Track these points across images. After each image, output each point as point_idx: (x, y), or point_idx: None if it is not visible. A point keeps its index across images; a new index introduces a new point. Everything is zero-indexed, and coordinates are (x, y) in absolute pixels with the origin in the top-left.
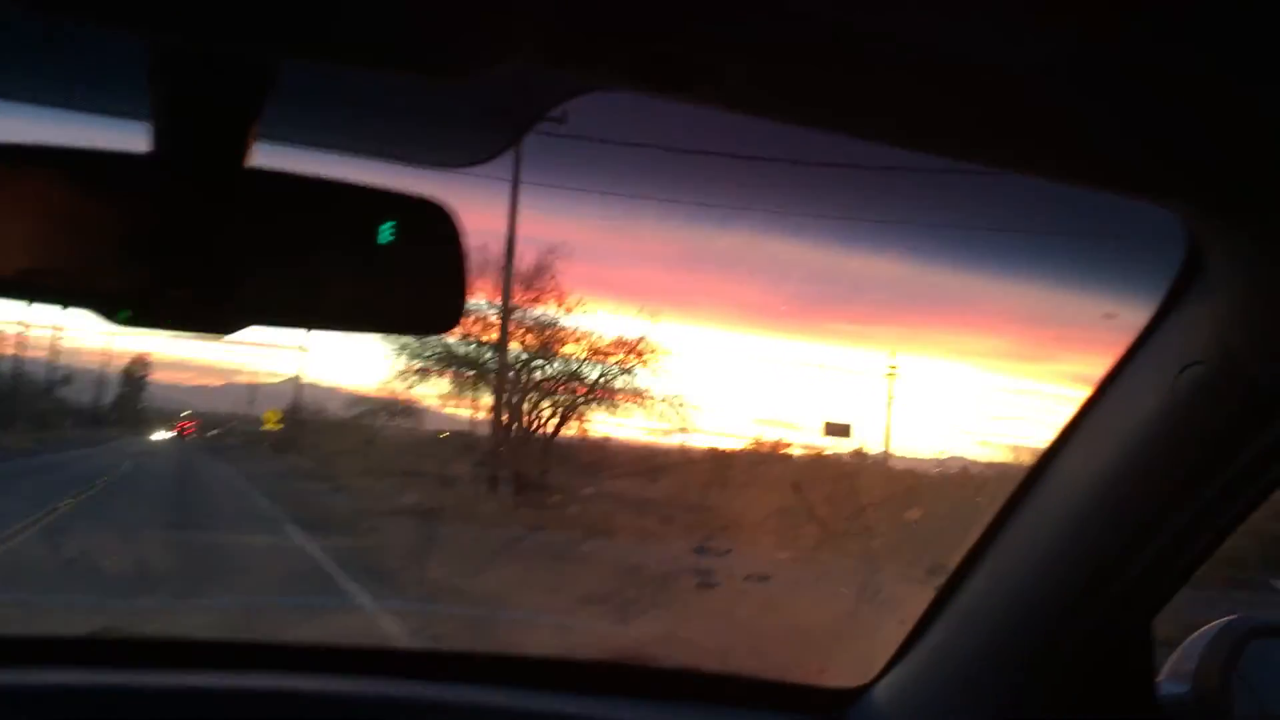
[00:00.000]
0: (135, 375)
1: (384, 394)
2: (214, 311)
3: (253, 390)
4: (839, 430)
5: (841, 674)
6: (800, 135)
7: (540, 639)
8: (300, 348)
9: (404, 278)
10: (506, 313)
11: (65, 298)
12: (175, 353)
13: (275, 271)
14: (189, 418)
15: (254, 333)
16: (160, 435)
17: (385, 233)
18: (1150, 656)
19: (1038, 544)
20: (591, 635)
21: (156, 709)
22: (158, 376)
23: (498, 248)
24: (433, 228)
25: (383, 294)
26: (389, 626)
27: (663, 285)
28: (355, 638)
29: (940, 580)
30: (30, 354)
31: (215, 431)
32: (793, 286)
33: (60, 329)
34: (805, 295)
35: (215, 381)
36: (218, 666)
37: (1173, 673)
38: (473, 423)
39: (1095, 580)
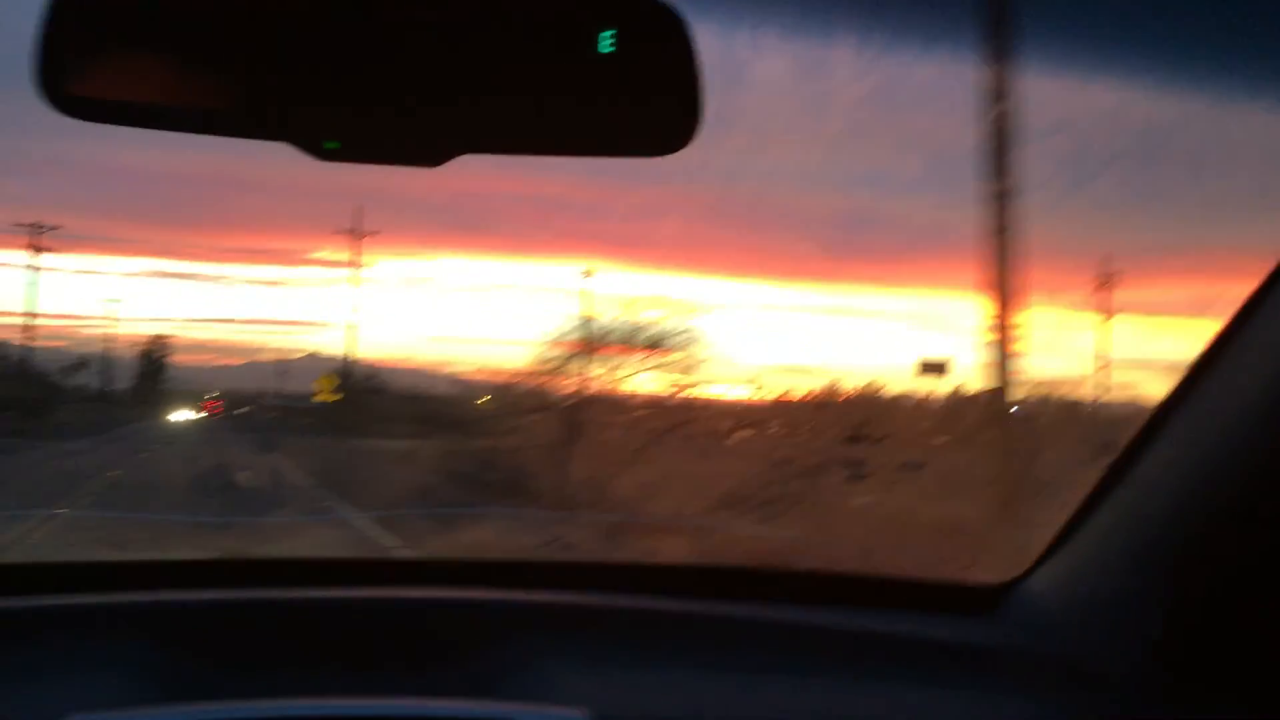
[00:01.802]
0: (155, 357)
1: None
2: (425, 138)
3: (282, 365)
4: (935, 368)
5: (997, 567)
6: None
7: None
8: (324, 324)
9: (628, 91)
10: None
11: (268, 130)
12: (194, 334)
13: (486, 90)
14: (215, 397)
15: (276, 309)
16: (182, 416)
17: (605, 41)
18: None
19: (1226, 420)
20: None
21: (288, 622)
22: (179, 359)
23: None
24: (660, 34)
25: (605, 110)
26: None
27: None
28: None
29: (1108, 460)
30: (43, 342)
31: (245, 409)
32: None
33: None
34: None
35: (236, 361)
36: (353, 582)
37: None
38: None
39: None
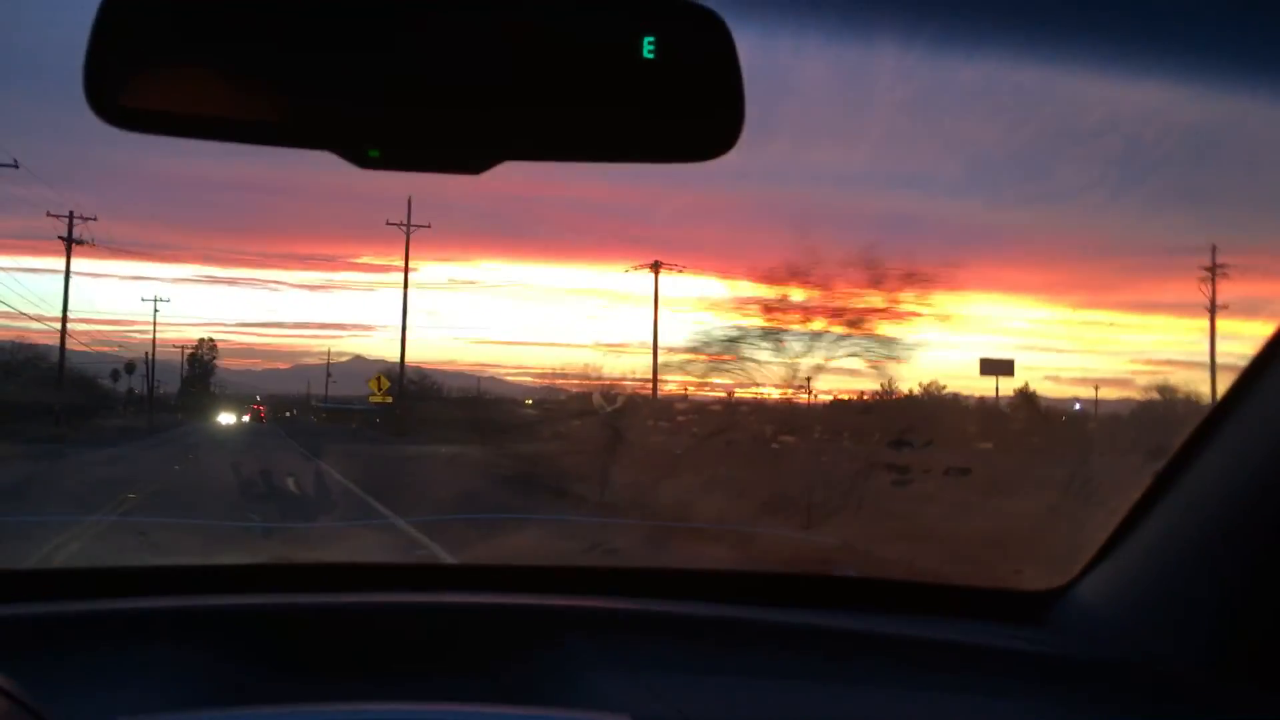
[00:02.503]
0: (201, 361)
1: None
2: (466, 146)
3: (332, 367)
4: (1000, 366)
5: (1045, 573)
6: None
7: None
8: (370, 327)
9: (671, 97)
10: None
11: (311, 139)
12: (241, 339)
13: (527, 98)
14: (261, 401)
15: (321, 313)
16: (228, 420)
17: (647, 47)
18: None
19: (1277, 427)
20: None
21: (338, 627)
22: (226, 363)
23: None
24: (701, 39)
25: (648, 116)
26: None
27: None
28: None
29: (1159, 465)
30: (91, 347)
31: (292, 413)
32: None
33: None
34: None
35: (283, 365)
36: (392, 587)
37: None
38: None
39: None
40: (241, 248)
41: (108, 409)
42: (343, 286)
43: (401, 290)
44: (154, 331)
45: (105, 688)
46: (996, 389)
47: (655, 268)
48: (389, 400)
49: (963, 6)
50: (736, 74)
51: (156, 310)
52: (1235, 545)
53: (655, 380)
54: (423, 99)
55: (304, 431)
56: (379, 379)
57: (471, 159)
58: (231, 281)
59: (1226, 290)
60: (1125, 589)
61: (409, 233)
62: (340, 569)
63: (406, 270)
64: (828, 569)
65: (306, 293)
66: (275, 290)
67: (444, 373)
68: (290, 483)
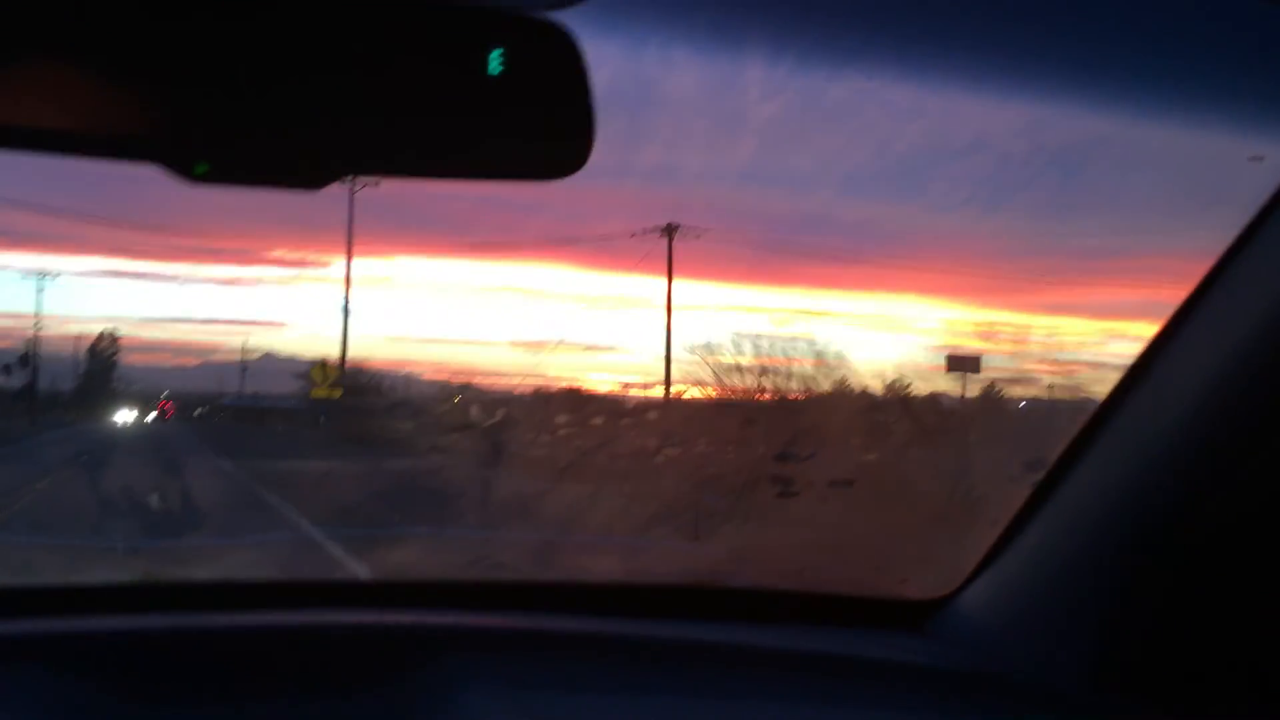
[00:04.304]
0: (102, 355)
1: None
2: (304, 161)
3: (245, 363)
4: (966, 363)
5: (929, 583)
6: None
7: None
8: (281, 323)
9: (519, 114)
10: None
11: (132, 151)
12: (149, 334)
13: (369, 111)
14: (168, 397)
15: (233, 309)
16: (128, 417)
17: (494, 62)
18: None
19: (1152, 438)
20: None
21: (204, 649)
22: (133, 359)
23: None
24: (550, 55)
25: (494, 133)
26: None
27: None
28: None
29: (1037, 477)
30: None
31: (201, 410)
32: None
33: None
34: None
35: (192, 361)
36: (265, 606)
37: None
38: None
39: (1214, 477)
40: (147, 240)
41: None
42: (254, 281)
43: (313, 285)
44: (36, 315)
45: None
46: (964, 387)
47: (669, 232)
48: (336, 394)
49: (829, 24)
50: (587, 92)
51: (41, 289)
52: (1112, 555)
53: (669, 373)
54: (255, 112)
55: (222, 435)
56: (323, 366)
57: (309, 174)
58: (137, 275)
59: (1122, 294)
60: (1006, 599)
61: (351, 221)
62: (205, 588)
63: (350, 253)
64: (718, 578)
65: (216, 287)
66: (183, 284)
67: (377, 371)
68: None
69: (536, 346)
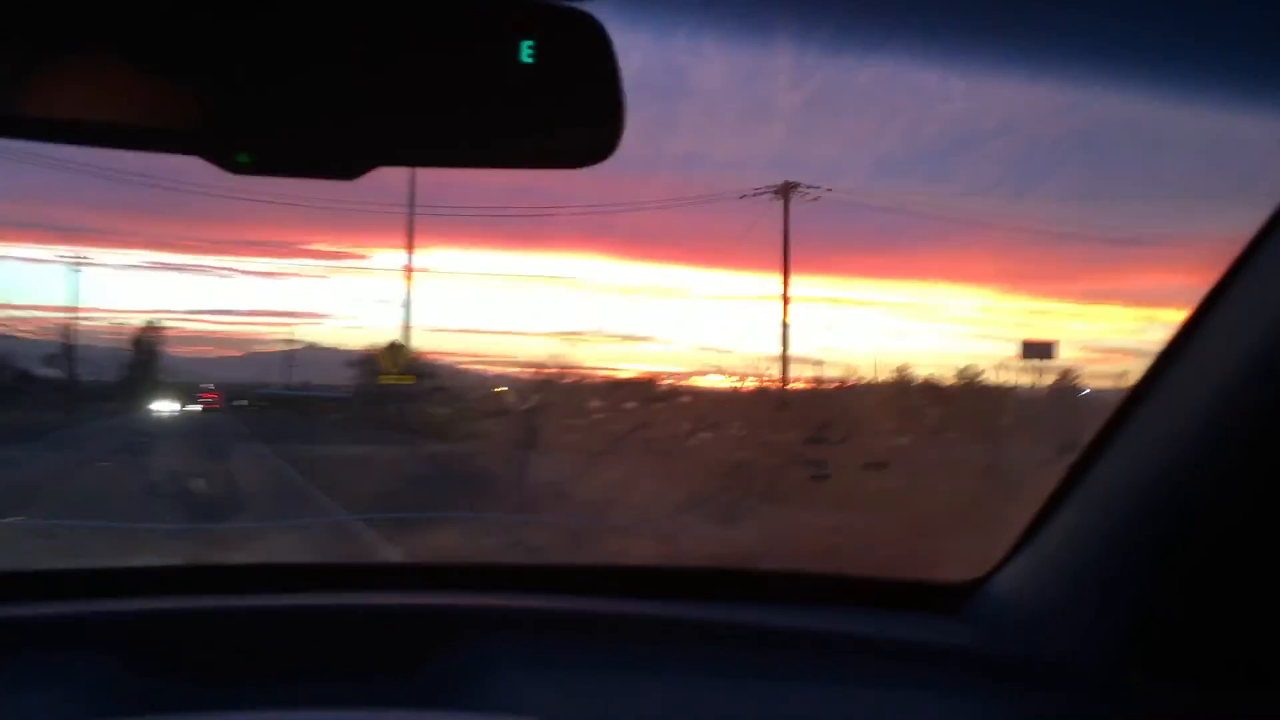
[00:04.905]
0: (146, 347)
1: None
2: (339, 151)
3: (289, 355)
4: (1040, 350)
5: (964, 565)
6: None
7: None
8: (324, 315)
9: (550, 102)
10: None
11: (175, 143)
12: (191, 327)
13: (403, 101)
14: (211, 389)
15: (275, 301)
16: (168, 409)
17: (525, 51)
18: None
19: (1184, 420)
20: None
21: (246, 630)
22: (175, 350)
23: None
24: (580, 44)
25: (526, 122)
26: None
27: None
28: None
29: (1071, 459)
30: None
31: (245, 401)
32: None
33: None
34: None
35: (235, 353)
36: (305, 588)
37: None
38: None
39: (1246, 460)
40: (189, 233)
41: (24, 397)
42: (295, 274)
43: (356, 277)
44: (70, 306)
45: (4, 698)
46: (1038, 374)
47: (785, 190)
48: (408, 380)
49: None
50: (615, 79)
51: (76, 277)
52: (1145, 538)
53: (785, 352)
54: (293, 103)
55: (269, 425)
56: (393, 349)
57: (345, 164)
58: (180, 268)
59: (1150, 280)
60: (1039, 582)
61: (412, 211)
62: (247, 570)
63: (411, 243)
64: (752, 561)
65: (258, 279)
66: (226, 277)
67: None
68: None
69: (577, 337)
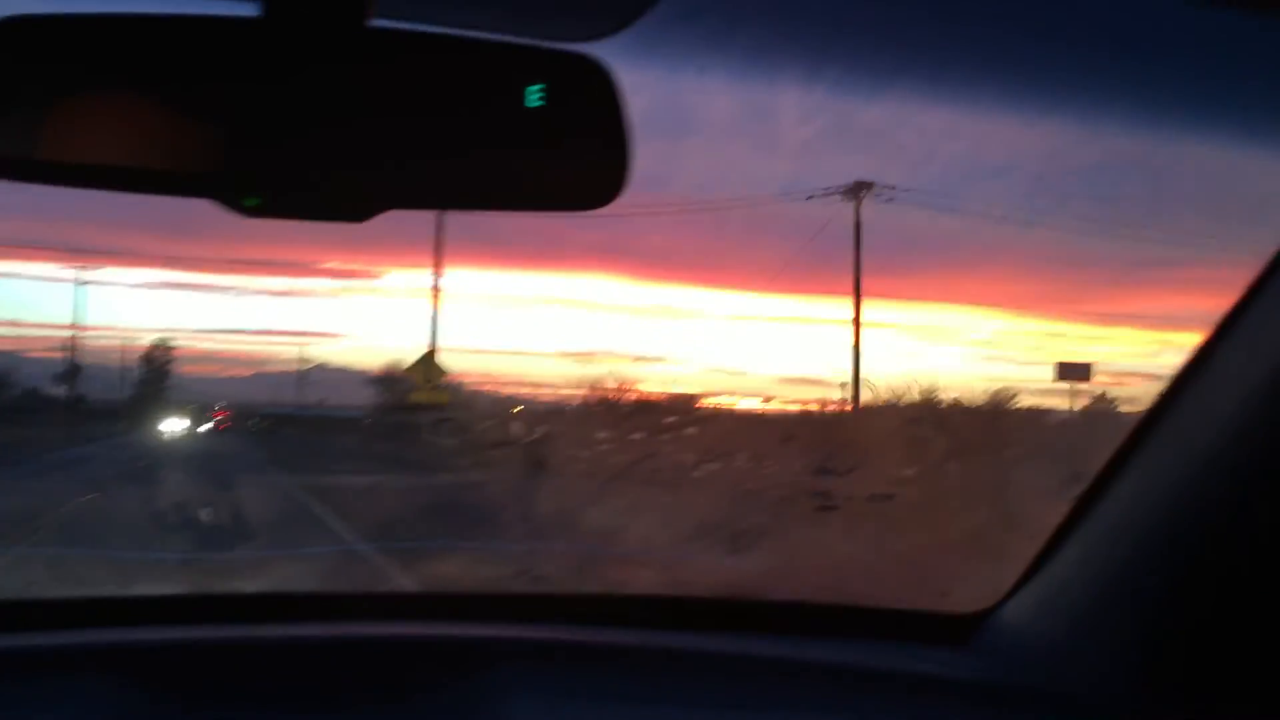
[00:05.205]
0: (157, 366)
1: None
2: (349, 195)
3: (302, 374)
4: (1077, 371)
5: (969, 597)
6: None
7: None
8: (335, 335)
9: (557, 146)
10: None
11: (186, 187)
12: (201, 345)
13: (412, 145)
14: (223, 407)
15: (286, 320)
16: (176, 428)
17: (534, 96)
18: None
19: (1195, 450)
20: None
21: (255, 661)
22: (186, 369)
23: None
24: (588, 87)
25: (534, 165)
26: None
27: None
28: None
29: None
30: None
31: (255, 421)
32: None
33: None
34: None
35: (244, 372)
36: (314, 618)
37: None
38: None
39: (1258, 489)
40: (201, 252)
41: (30, 414)
42: (306, 293)
43: (367, 297)
44: (74, 324)
45: None
46: (1071, 396)
47: (857, 191)
48: (442, 399)
49: (863, 47)
50: (622, 123)
51: (84, 295)
52: (1155, 568)
53: (857, 366)
54: (303, 148)
55: (281, 447)
56: (427, 364)
57: (354, 208)
58: (191, 286)
59: (1168, 303)
60: (1049, 613)
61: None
62: (257, 599)
63: (439, 263)
64: (759, 590)
65: (268, 298)
66: (237, 296)
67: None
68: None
69: (588, 357)
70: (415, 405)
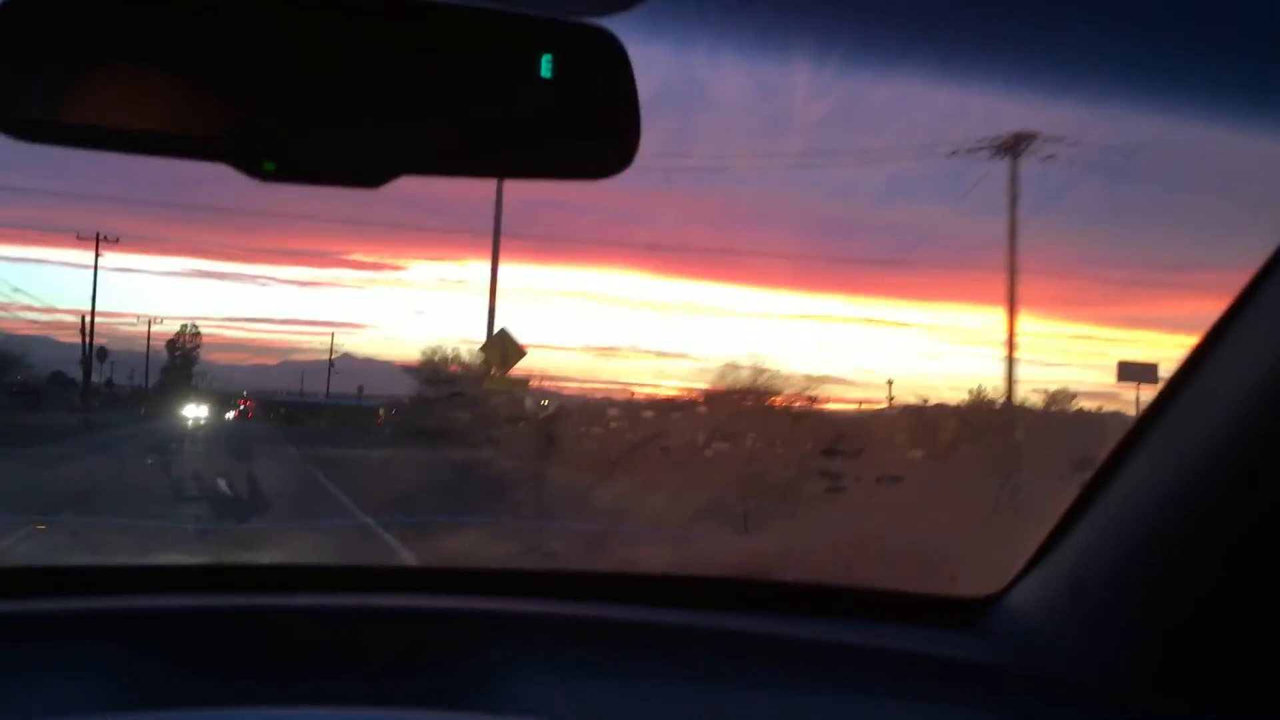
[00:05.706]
0: (182, 353)
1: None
2: (363, 160)
3: (332, 364)
4: (1141, 372)
5: (978, 580)
6: None
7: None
8: (361, 325)
9: (569, 115)
10: None
11: (203, 150)
12: (229, 334)
13: (427, 112)
14: (248, 395)
15: (312, 310)
16: (198, 415)
17: (545, 66)
18: None
19: (1200, 438)
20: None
21: (267, 629)
22: (212, 357)
23: None
24: (598, 59)
25: (546, 134)
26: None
27: None
28: None
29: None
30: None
31: (282, 409)
32: None
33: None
34: None
35: (270, 360)
36: (325, 589)
37: None
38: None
39: (1262, 477)
40: (231, 241)
41: (53, 399)
42: (333, 284)
43: (391, 289)
44: (89, 310)
45: (23, 688)
46: (1137, 397)
47: (1013, 145)
48: (521, 388)
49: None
50: (632, 94)
51: (97, 263)
52: (1160, 554)
53: (1011, 358)
54: (318, 114)
55: (310, 439)
56: (503, 345)
57: (368, 173)
58: (220, 275)
59: (1182, 306)
60: (1055, 598)
61: (499, 217)
62: (266, 570)
63: (496, 253)
64: (768, 572)
65: (296, 289)
66: (264, 285)
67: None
68: None
69: (610, 352)
70: (488, 392)
